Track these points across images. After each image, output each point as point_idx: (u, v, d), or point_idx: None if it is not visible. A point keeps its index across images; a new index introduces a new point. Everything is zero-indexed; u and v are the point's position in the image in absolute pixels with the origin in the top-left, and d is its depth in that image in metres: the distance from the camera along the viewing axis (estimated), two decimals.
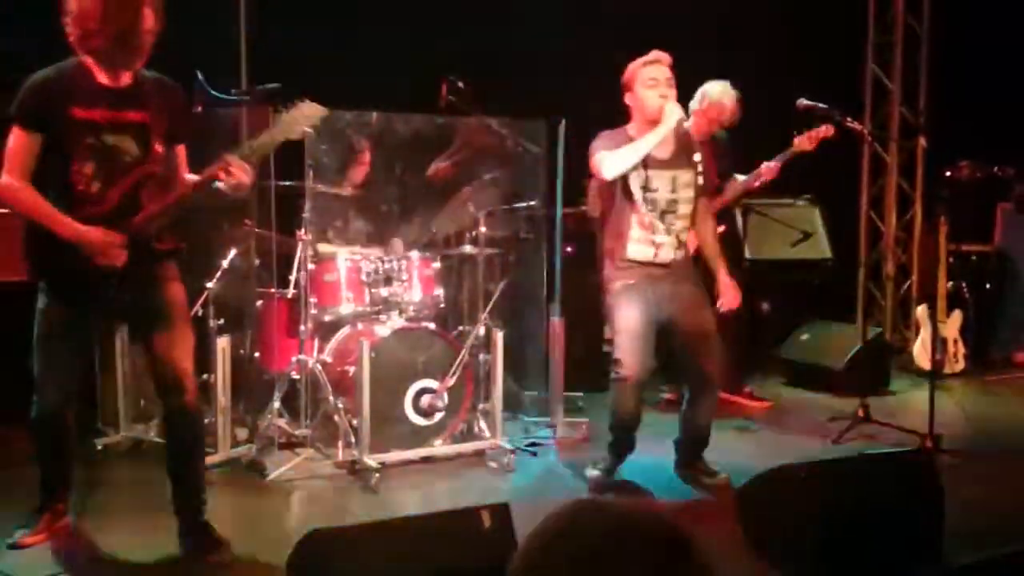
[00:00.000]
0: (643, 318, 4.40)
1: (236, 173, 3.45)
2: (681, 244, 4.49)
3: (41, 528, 3.77)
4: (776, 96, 5.80)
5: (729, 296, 4.66)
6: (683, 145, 4.49)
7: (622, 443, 4.61)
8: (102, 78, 3.47)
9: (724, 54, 6.37)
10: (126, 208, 3.48)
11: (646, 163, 4.36)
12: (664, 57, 4.44)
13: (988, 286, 7.57)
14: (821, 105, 5.60)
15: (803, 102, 5.62)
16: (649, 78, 4.39)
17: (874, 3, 7.95)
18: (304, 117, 3.56)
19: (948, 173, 5.99)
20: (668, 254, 4.44)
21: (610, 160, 4.34)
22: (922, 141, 7.83)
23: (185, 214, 3.66)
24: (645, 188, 4.39)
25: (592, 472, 4.64)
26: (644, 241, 4.41)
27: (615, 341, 4.48)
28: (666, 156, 4.42)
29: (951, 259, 6.65)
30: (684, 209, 4.45)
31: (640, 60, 4.45)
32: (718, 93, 5.77)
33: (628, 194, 4.39)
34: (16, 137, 3.45)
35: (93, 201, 3.45)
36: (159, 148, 3.53)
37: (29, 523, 3.78)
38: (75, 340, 3.63)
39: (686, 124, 4.34)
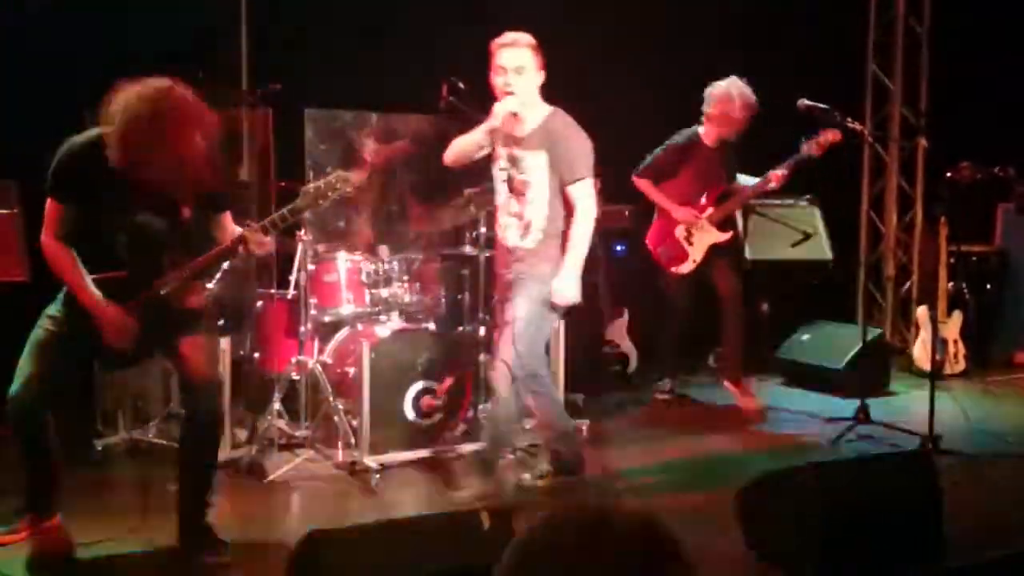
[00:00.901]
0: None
1: (253, 248, 3.53)
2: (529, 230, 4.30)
3: (20, 528, 3.77)
4: (776, 96, 5.80)
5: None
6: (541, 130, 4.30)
7: None
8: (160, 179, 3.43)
9: (725, 54, 6.37)
10: (149, 275, 3.53)
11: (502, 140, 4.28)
12: (520, 40, 4.25)
13: (989, 287, 7.55)
14: (822, 105, 5.60)
15: (804, 102, 5.62)
16: (497, 64, 4.23)
17: (875, 3, 7.94)
18: (332, 189, 3.58)
19: (949, 174, 5.98)
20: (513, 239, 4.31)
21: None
22: (923, 141, 7.82)
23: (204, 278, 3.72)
24: (503, 168, 4.31)
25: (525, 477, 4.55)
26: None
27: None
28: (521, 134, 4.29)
29: (952, 260, 6.64)
30: (535, 194, 4.28)
31: (496, 41, 4.27)
32: (736, 90, 5.78)
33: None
34: (50, 205, 3.49)
35: (119, 266, 3.51)
36: (187, 216, 3.54)
37: (9, 522, 3.79)
38: (72, 360, 3.62)
39: (518, 121, 4.18)
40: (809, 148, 5.66)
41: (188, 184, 3.41)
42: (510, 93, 4.19)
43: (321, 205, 3.61)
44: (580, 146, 4.30)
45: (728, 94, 5.78)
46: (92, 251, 3.51)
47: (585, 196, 4.26)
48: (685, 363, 6.58)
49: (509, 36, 4.26)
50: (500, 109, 4.20)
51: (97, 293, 3.47)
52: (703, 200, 5.96)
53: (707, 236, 5.96)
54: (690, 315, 6.17)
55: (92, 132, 3.44)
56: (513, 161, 4.27)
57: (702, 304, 6.19)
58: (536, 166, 4.27)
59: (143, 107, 3.26)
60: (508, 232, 4.33)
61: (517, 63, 4.21)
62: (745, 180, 6.05)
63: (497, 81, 4.23)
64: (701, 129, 5.94)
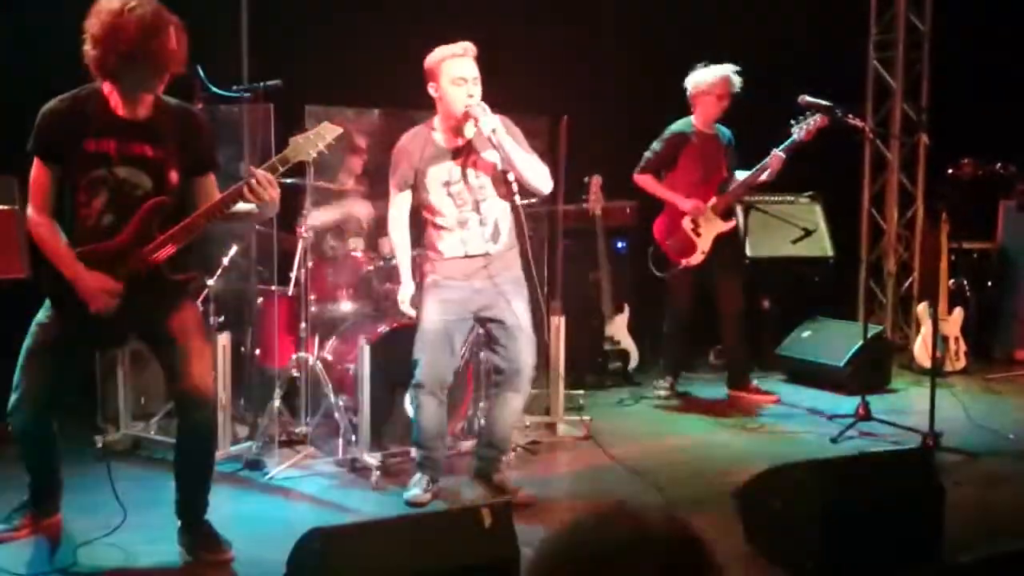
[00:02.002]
0: (442, 317, 4.24)
1: (261, 188, 3.38)
2: (496, 234, 4.27)
3: (20, 525, 3.78)
4: (778, 93, 5.80)
5: None
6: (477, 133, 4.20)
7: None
8: (119, 109, 3.42)
9: (726, 51, 6.36)
10: (138, 240, 3.46)
11: (441, 157, 4.21)
12: (471, 49, 4.14)
13: (989, 284, 7.56)
14: (823, 102, 5.61)
15: (805, 99, 5.63)
16: (457, 76, 4.09)
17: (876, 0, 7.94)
18: (319, 138, 3.53)
19: (950, 170, 5.98)
20: (479, 247, 4.25)
21: (390, 227, 4.34)
22: (924, 138, 7.82)
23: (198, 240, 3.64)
24: (447, 182, 4.21)
25: (408, 493, 4.36)
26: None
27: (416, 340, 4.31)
28: (458, 145, 4.22)
29: (952, 256, 6.63)
30: (494, 194, 4.24)
31: (445, 51, 4.12)
32: (711, 73, 5.84)
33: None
34: (35, 169, 3.47)
35: (104, 233, 3.45)
36: (174, 180, 3.49)
37: (10, 519, 3.79)
38: (68, 359, 3.60)
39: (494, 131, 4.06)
40: (800, 133, 5.69)
41: (160, 76, 3.37)
42: (471, 103, 4.08)
43: (311, 155, 3.55)
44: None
45: (705, 72, 5.83)
46: (77, 220, 3.46)
47: None
48: (686, 360, 6.58)
49: (463, 45, 4.14)
50: (489, 122, 4.05)
51: (79, 265, 3.40)
52: (706, 189, 5.96)
53: (714, 226, 5.98)
54: (691, 312, 6.18)
55: (68, 92, 3.44)
56: (474, 170, 4.22)
57: (702, 301, 6.19)
58: (489, 167, 4.23)
59: (113, 13, 3.27)
60: (471, 243, 4.25)
61: (475, 72, 4.13)
62: (741, 175, 6.06)
63: (457, 92, 4.08)
64: (693, 117, 5.99)
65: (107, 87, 3.41)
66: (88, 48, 3.31)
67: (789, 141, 5.76)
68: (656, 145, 6.02)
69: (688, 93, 5.96)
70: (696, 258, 5.97)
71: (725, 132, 6.06)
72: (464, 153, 4.22)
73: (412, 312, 4.34)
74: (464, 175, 4.21)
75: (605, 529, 1.34)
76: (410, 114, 6.00)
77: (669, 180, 6.02)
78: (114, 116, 3.41)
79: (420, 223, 4.38)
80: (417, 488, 4.35)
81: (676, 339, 6.30)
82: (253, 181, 3.37)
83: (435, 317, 4.25)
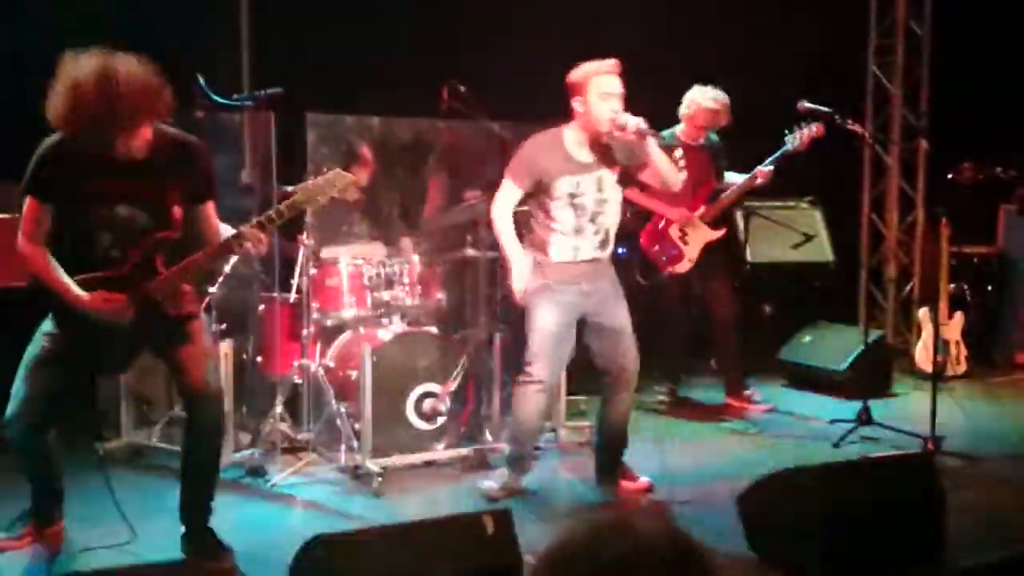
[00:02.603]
0: (559, 319, 4.39)
1: (250, 246, 3.49)
2: (605, 242, 4.46)
3: (22, 534, 3.79)
4: (777, 98, 5.80)
5: None
6: (605, 148, 4.40)
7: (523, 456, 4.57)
8: (115, 149, 3.41)
9: (726, 57, 6.38)
10: (142, 273, 3.50)
11: (573, 169, 4.35)
12: (618, 66, 4.33)
13: (990, 288, 7.56)
14: (823, 108, 5.61)
15: (805, 104, 5.63)
16: (604, 91, 4.27)
17: (875, 5, 7.95)
18: (330, 186, 3.55)
19: (950, 175, 5.98)
20: (589, 252, 4.42)
21: (496, 213, 4.42)
22: (923, 143, 7.82)
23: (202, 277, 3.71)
24: (573, 195, 4.36)
25: (485, 484, 4.53)
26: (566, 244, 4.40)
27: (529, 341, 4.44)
28: (589, 160, 4.39)
29: (953, 261, 6.64)
30: (613, 208, 4.44)
31: (596, 66, 4.32)
32: (705, 98, 5.84)
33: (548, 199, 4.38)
34: (28, 205, 3.47)
35: (109, 266, 3.49)
36: (176, 215, 3.53)
37: (12, 528, 3.80)
38: (70, 372, 3.61)
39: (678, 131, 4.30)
40: (794, 142, 5.68)
41: (129, 133, 3.35)
42: (616, 119, 4.24)
43: (319, 202, 3.57)
44: None
45: (703, 108, 5.83)
46: (81, 253, 3.48)
47: None
48: (684, 365, 6.53)
49: (611, 62, 4.32)
50: (635, 121, 4.22)
51: (75, 288, 3.42)
52: (694, 198, 5.90)
53: (701, 234, 5.93)
54: (686, 318, 6.15)
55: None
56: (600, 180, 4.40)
57: (699, 305, 6.18)
58: (613, 182, 4.43)
59: (87, 78, 3.24)
60: (582, 249, 4.40)
61: (621, 88, 4.31)
62: (733, 178, 6.04)
63: (603, 108, 4.25)
64: (679, 128, 5.96)
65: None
66: (55, 121, 3.31)
67: (780, 152, 5.73)
68: None
69: (681, 109, 5.93)
70: (683, 266, 5.93)
71: (713, 139, 6.01)
72: (593, 167, 4.38)
73: (523, 288, 4.42)
74: (591, 188, 4.37)
75: (604, 540, 1.34)
76: (412, 121, 6.06)
77: (656, 191, 5.93)
78: (111, 157, 3.40)
79: (524, 221, 4.52)
80: (495, 482, 4.51)
81: (672, 346, 6.25)
82: (243, 240, 3.47)
83: (553, 319, 4.40)
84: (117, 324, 3.47)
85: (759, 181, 5.84)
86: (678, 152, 5.38)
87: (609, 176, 4.41)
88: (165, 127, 3.52)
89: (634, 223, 6.49)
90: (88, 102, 3.23)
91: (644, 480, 4.61)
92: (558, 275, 4.40)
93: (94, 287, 3.45)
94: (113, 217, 3.46)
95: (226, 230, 3.62)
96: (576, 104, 4.36)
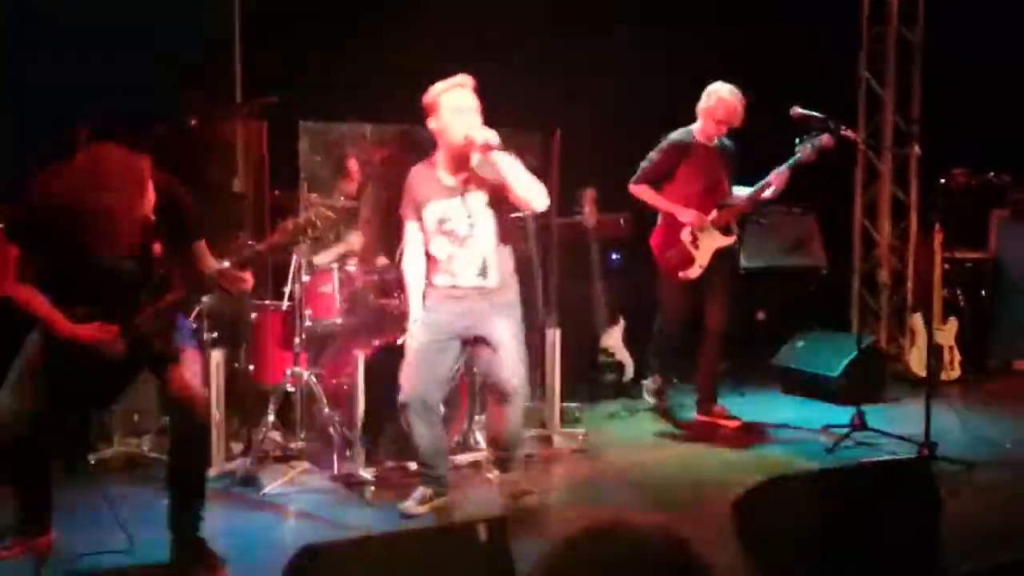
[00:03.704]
0: (425, 338, 4.29)
1: (228, 285, 3.56)
2: (485, 270, 4.31)
3: (11, 544, 3.75)
4: (770, 104, 5.80)
5: None
6: (472, 169, 4.28)
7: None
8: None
9: (718, 62, 6.37)
10: (126, 310, 3.51)
11: (440, 194, 4.27)
12: (469, 81, 4.24)
13: (983, 293, 7.57)
14: (815, 114, 5.61)
15: (797, 110, 5.63)
16: (456, 106, 4.18)
17: (867, 11, 7.97)
18: (312, 226, 3.59)
19: (942, 181, 5.99)
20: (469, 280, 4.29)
21: (403, 252, 4.40)
22: (916, 149, 7.84)
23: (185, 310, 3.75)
24: (442, 220, 4.27)
25: (404, 505, 4.39)
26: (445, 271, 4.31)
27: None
28: (455, 183, 4.28)
29: (946, 266, 6.64)
30: (484, 231, 4.28)
31: (444, 85, 4.23)
32: (726, 92, 5.72)
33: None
34: (12, 251, 3.49)
35: (94, 302, 3.50)
36: (157, 252, 3.55)
37: (1, 538, 3.77)
38: (63, 382, 3.59)
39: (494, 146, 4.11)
40: (805, 152, 5.64)
41: (117, 233, 3.37)
42: (468, 134, 4.13)
43: (301, 241, 3.61)
44: None
45: (727, 103, 5.74)
46: (65, 292, 3.50)
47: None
48: (677, 372, 6.49)
49: (461, 78, 4.23)
50: (487, 136, 4.10)
51: (66, 320, 3.45)
52: (708, 202, 5.81)
53: (713, 240, 5.81)
54: (681, 326, 6.11)
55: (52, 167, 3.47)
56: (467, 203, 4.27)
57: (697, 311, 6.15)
58: (482, 205, 4.28)
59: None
60: (460, 276, 4.29)
61: (475, 103, 4.21)
62: (739, 191, 5.97)
63: (457, 122, 4.15)
64: (695, 126, 5.85)
65: None
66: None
67: (793, 159, 5.66)
68: (653, 154, 5.85)
69: (700, 103, 5.83)
70: (694, 271, 5.80)
71: (727, 143, 5.91)
72: (461, 191, 4.27)
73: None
74: (458, 213, 4.26)
75: (602, 545, 1.33)
76: (403, 128, 6.05)
77: (668, 192, 5.83)
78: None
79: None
80: (412, 500, 4.36)
81: (664, 356, 6.18)
82: (223, 281, 3.54)
83: (419, 337, 4.31)
84: (109, 354, 3.48)
85: (772, 188, 5.77)
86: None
87: (477, 199, 4.26)
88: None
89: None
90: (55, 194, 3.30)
91: (530, 497, 4.49)
92: (436, 297, 4.33)
93: (82, 320, 3.47)
94: (95, 268, 3.49)
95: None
96: (432, 124, 4.26)
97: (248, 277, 3.59)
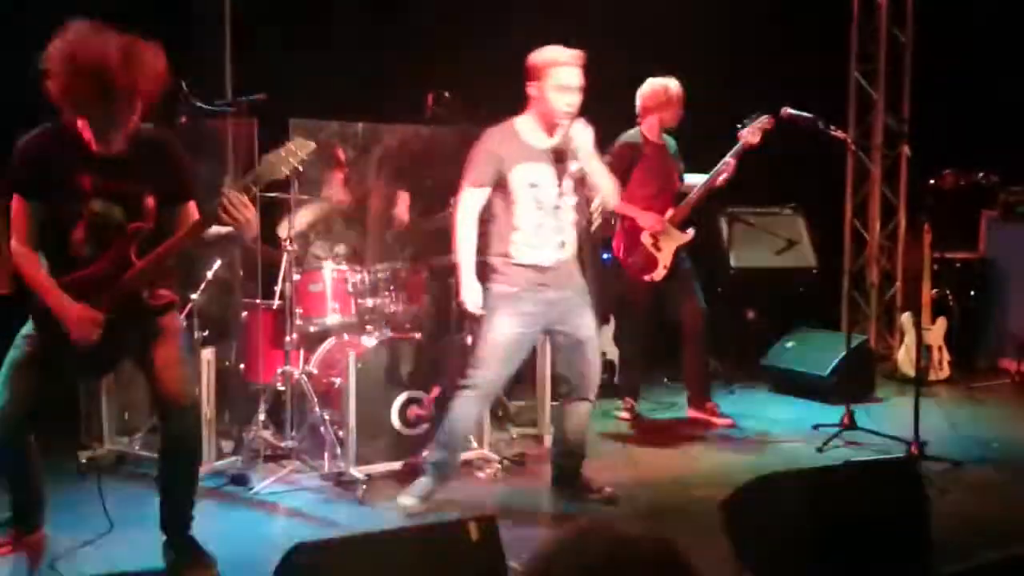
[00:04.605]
0: (515, 330, 4.26)
1: (234, 209, 3.30)
2: (565, 243, 4.30)
3: (3, 542, 3.75)
4: (759, 104, 5.82)
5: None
6: (562, 140, 4.25)
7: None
8: (93, 144, 3.41)
9: (708, 63, 6.39)
10: (116, 268, 3.46)
11: (530, 156, 4.22)
12: (581, 57, 4.18)
13: (972, 293, 7.60)
14: (805, 114, 5.62)
15: (787, 111, 5.64)
16: (562, 83, 4.13)
17: (858, 11, 7.99)
18: (292, 154, 3.52)
19: (932, 181, 6.01)
20: (551, 254, 4.26)
21: (457, 221, 4.28)
22: (906, 149, 7.86)
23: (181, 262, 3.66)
24: (533, 184, 4.21)
25: (406, 501, 4.36)
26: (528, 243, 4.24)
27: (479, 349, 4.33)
28: (546, 148, 4.24)
29: (935, 266, 6.66)
30: (571, 203, 4.29)
31: (556, 54, 4.16)
32: (674, 85, 5.76)
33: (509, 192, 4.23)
34: (16, 204, 3.46)
35: (84, 263, 3.46)
36: (150, 208, 3.49)
37: None
38: (50, 376, 3.57)
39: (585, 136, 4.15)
40: (745, 135, 5.66)
41: (120, 117, 3.35)
42: (571, 113, 4.13)
43: (283, 172, 3.54)
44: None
45: (668, 82, 5.77)
46: (57, 251, 3.47)
47: None
48: (645, 379, 6.45)
49: (573, 52, 4.17)
50: (580, 131, 4.13)
51: (62, 295, 3.41)
52: (663, 201, 5.81)
53: (673, 239, 5.81)
54: (653, 330, 6.09)
55: (43, 126, 3.45)
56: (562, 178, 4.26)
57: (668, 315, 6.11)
58: (571, 177, 4.28)
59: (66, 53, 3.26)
60: (544, 249, 4.26)
61: (581, 81, 4.17)
62: (693, 179, 5.94)
63: (559, 100, 4.13)
64: (643, 127, 5.83)
65: (80, 121, 3.40)
66: (52, 85, 3.29)
67: (738, 146, 5.68)
68: (607, 158, 5.69)
69: (646, 100, 5.82)
70: (659, 273, 5.81)
71: (671, 142, 5.93)
72: (550, 157, 4.23)
73: (480, 313, 4.34)
74: (548, 180, 4.22)
75: (590, 547, 1.34)
76: (394, 127, 6.05)
77: (624, 196, 5.86)
78: (88, 152, 3.41)
79: (485, 228, 4.34)
80: (414, 498, 4.35)
81: (635, 360, 6.17)
82: (225, 202, 3.32)
83: (508, 330, 4.25)
84: (85, 340, 3.44)
85: (723, 177, 5.77)
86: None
87: (568, 170, 4.25)
88: (143, 125, 3.51)
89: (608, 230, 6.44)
90: (102, 77, 3.22)
91: (608, 490, 4.52)
92: (523, 281, 4.25)
93: (74, 291, 3.43)
94: (88, 213, 3.44)
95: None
96: (531, 89, 4.22)
97: (250, 204, 3.41)
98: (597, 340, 4.43)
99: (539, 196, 4.22)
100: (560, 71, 4.14)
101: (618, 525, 1.37)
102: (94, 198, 3.43)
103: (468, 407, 4.35)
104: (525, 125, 4.27)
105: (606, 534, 1.35)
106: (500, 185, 4.23)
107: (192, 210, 3.58)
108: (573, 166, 4.26)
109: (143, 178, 3.46)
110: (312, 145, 3.55)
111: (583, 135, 4.15)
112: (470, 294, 4.26)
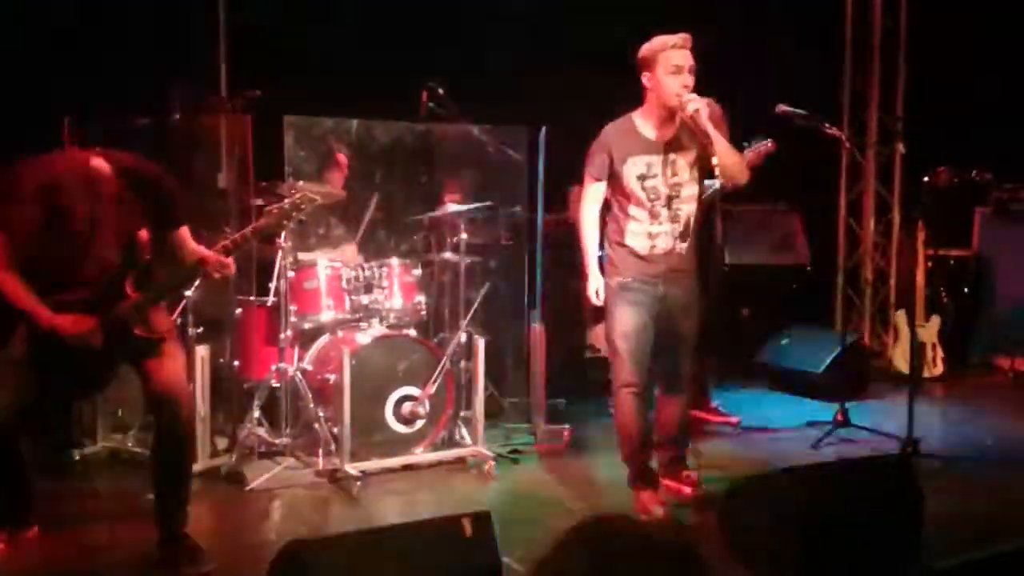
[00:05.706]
0: (639, 318, 4.25)
1: (212, 271, 3.58)
2: (685, 233, 4.28)
3: None
4: (755, 102, 5.82)
5: None
6: (687, 129, 4.23)
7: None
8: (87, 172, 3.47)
9: (701, 60, 6.38)
10: (111, 298, 3.52)
11: (641, 149, 4.21)
12: (689, 39, 4.19)
13: (966, 290, 7.62)
14: (799, 111, 5.62)
15: (781, 107, 5.64)
16: (673, 64, 4.13)
17: (852, 9, 8.00)
18: (296, 208, 3.58)
19: (926, 179, 6.03)
20: (667, 242, 4.25)
21: (581, 213, 4.33)
22: (900, 147, 7.87)
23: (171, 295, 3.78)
24: (643, 176, 4.21)
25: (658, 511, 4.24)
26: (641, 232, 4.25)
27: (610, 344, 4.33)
28: (659, 140, 4.23)
29: (929, 264, 6.69)
30: (689, 193, 4.25)
31: (664, 40, 4.18)
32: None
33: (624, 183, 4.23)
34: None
35: (77, 288, 3.50)
36: (143, 238, 3.56)
37: None
38: (45, 375, 3.58)
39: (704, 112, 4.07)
40: (749, 158, 5.62)
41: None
42: (681, 96, 4.10)
43: (286, 225, 3.61)
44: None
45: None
46: (50, 279, 3.50)
47: None
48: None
49: (682, 36, 4.19)
50: (695, 103, 4.06)
51: (48, 311, 3.45)
52: None
53: None
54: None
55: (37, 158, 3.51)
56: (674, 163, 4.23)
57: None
58: (686, 165, 4.25)
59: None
60: (659, 239, 4.24)
61: (691, 62, 4.17)
62: None
63: (672, 83, 4.11)
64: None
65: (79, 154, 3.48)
66: None
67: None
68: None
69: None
70: None
71: None
72: (665, 148, 4.22)
73: (600, 305, 4.37)
74: (662, 170, 4.21)
75: (611, 538, 1.34)
76: (389, 124, 6.04)
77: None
78: (84, 182, 3.47)
79: (604, 221, 4.36)
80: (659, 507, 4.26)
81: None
82: (208, 269, 3.55)
83: (633, 320, 4.25)
84: (86, 346, 3.48)
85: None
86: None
87: (683, 159, 4.22)
88: (122, 155, 3.57)
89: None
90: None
91: (687, 490, 4.48)
92: (635, 272, 4.25)
93: (63, 310, 3.47)
94: (81, 244, 3.48)
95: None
96: (645, 80, 4.23)
97: (231, 263, 3.59)
98: (693, 339, 4.39)
99: (650, 186, 4.22)
100: (671, 55, 4.16)
101: (636, 521, 1.38)
102: (87, 230, 3.48)
103: (624, 406, 4.29)
104: (640, 118, 4.29)
105: (620, 526, 1.35)
106: (614, 178, 4.26)
107: (185, 237, 3.69)
108: (690, 152, 4.23)
109: (133, 208, 3.53)
110: (317, 199, 3.67)
111: (704, 112, 4.09)
112: (593, 286, 4.33)
